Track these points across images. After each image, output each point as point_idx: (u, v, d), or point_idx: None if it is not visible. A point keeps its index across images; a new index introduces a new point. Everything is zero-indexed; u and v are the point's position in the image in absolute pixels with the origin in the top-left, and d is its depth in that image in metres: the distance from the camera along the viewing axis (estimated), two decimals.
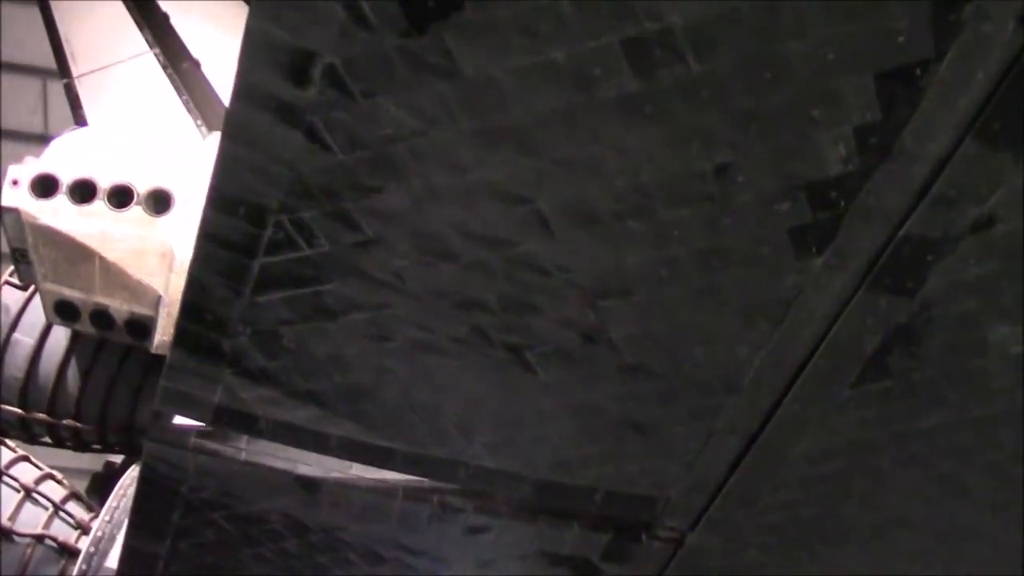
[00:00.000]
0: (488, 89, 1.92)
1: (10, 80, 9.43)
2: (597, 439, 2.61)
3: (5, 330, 5.71)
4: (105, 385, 5.79)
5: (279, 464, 2.82)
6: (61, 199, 5.17)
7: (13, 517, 4.98)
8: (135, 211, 5.23)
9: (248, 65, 1.95)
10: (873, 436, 2.50)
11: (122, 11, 6.86)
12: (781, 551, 2.91)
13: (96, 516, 5.08)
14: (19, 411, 5.75)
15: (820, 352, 2.32)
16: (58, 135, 6.61)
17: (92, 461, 6.82)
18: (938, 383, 2.37)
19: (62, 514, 5.09)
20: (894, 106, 1.88)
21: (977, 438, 2.48)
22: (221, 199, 2.19)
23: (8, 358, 5.73)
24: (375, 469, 2.79)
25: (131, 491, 4.99)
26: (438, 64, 1.88)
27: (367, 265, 2.25)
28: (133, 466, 5.22)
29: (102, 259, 5.19)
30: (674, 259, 2.16)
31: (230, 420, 2.67)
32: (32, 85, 9.34)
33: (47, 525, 5.02)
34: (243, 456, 2.82)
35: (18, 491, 5.06)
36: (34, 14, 6.98)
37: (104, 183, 5.21)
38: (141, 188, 5.25)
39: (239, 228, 2.22)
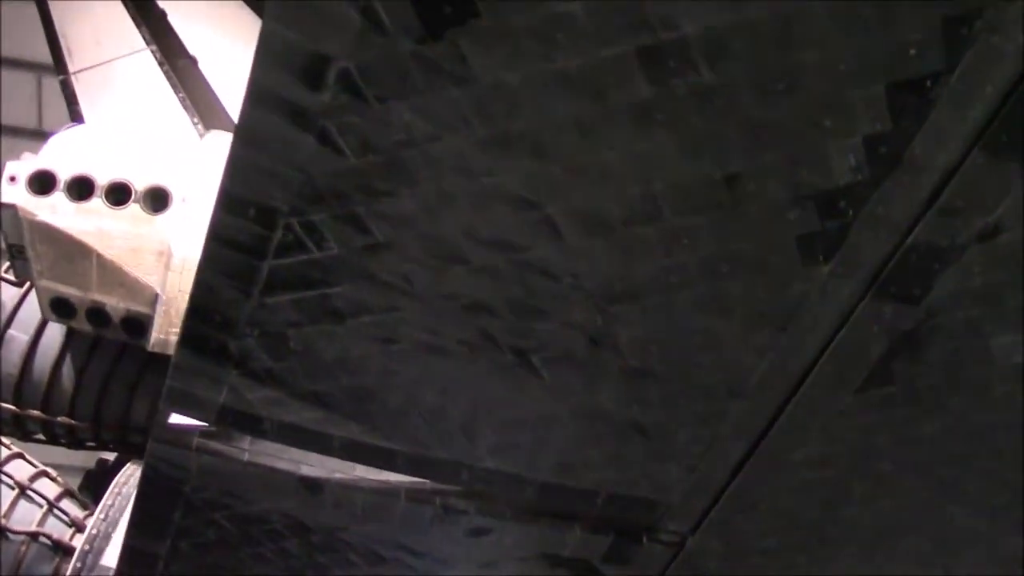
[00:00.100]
0: (502, 95, 1.93)
1: (5, 75, 9.41)
2: (600, 442, 2.63)
3: (0, 327, 5.70)
4: (100, 382, 5.78)
5: (282, 465, 2.83)
6: (59, 196, 5.16)
7: (7, 515, 4.97)
8: (133, 209, 5.23)
9: (262, 68, 1.96)
10: (875, 441, 2.52)
11: (119, 8, 6.86)
12: (781, 554, 2.93)
13: (91, 514, 5.08)
14: (13, 408, 5.74)
15: (825, 358, 2.34)
16: (53, 131, 6.60)
17: (85, 458, 6.82)
18: (941, 390, 2.39)
19: (56, 512, 5.08)
20: (904, 117, 1.90)
21: (978, 445, 2.51)
22: (231, 201, 2.20)
23: (2, 354, 5.72)
24: (378, 470, 2.80)
25: (126, 489, 5.00)
26: (453, 70, 1.89)
27: (376, 268, 2.26)
28: (128, 464, 5.22)
29: (99, 256, 5.19)
30: (682, 265, 2.18)
31: (235, 421, 2.68)
32: (27, 80, 9.32)
33: (41, 523, 5.01)
34: (246, 457, 2.82)
35: (12, 488, 5.05)
36: (30, 9, 6.96)
37: (102, 180, 5.21)
38: (139, 186, 5.25)
39: (248, 230, 2.22)
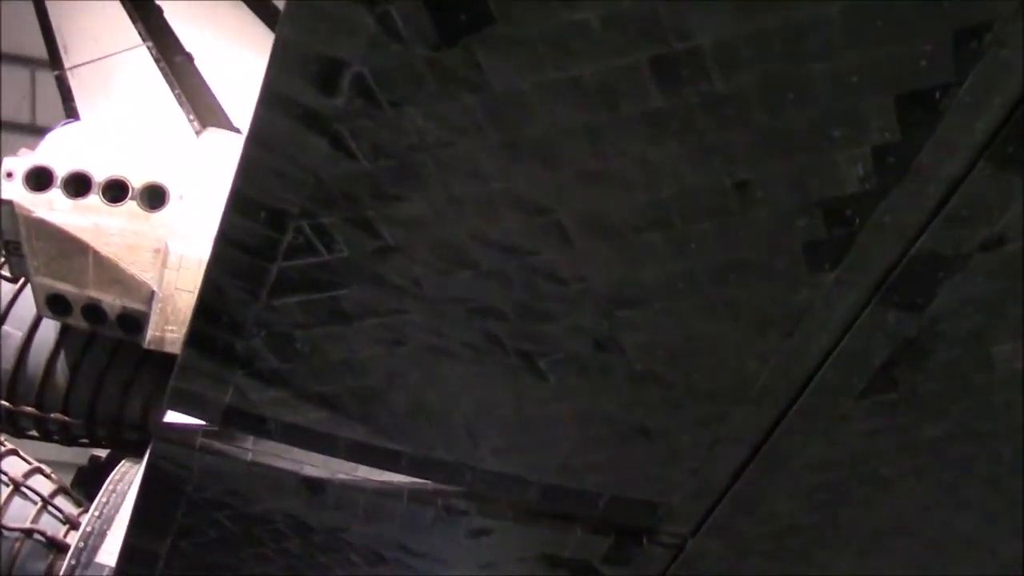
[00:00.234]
0: (515, 102, 1.94)
1: None
2: (604, 445, 2.65)
3: None
4: (94, 379, 5.77)
5: (285, 465, 2.84)
6: (56, 192, 5.16)
7: (1, 511, 4.96)
8: (130, 205, 5.23)
9: (277, 72, 1.97)
10: (876, 446, 2.55)
11: (115, 4, 6.84)
12: (780, 557, 2.96)
13: (85, 511, 5.07)
14: (7, 404, 5.73)
15: (828, 364, 2.36)
16: (46, 126, 6.57)
17: (75, 455, 6.80)
18: (942, 396, 2.42)
19: (51, 509, 5.07)
20: (913, 128, 1.92)
21: (978, 450, 2.54)
22: (242, 203, 2.21)
23: None
24: (380, 471, 2.82)
25: (121, 487, 5.00)
26: (467, 77, 1.91)
27: (385, 271, 2.27)
28: (123, 461, 5.22)
29: (95, 253, 5.18)
30: (690, 271, 2.20)
31: (239, 421, 2.69)
32: (21, 75, 9.29)
33: (36, 519, 5.00)
34: (249, 456, 2.83)
35: (6, 485, 5.04)
36: (24, 4, 6.95)
37: (99, 177, 5.20)
38: (136, 183, 5.24)
39: (259, 232, 2.24)
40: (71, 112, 6.70)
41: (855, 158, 1.97)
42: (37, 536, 4.96)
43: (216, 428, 2.77)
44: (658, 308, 2.28)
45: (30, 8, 7.00)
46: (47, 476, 5.21)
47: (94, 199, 5.18)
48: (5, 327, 5.71)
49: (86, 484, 5.86)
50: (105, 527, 4.78)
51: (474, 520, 2.89)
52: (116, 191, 5.20)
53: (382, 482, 2.84)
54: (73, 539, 4.87)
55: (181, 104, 6.52)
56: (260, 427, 2.69)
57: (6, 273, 5.81)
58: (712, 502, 2.75)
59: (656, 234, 2.14)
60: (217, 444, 2.83)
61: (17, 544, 4.94)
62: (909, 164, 1.98)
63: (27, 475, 5.10)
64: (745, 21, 1.82)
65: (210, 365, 2.54)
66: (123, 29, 6.77)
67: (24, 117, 9.41)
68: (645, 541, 2.88)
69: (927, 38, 1.81)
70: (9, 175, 5.10)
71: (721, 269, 2.19)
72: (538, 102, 1.94)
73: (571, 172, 2.06)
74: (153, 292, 5.15)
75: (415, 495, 2.84)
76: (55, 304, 5.30)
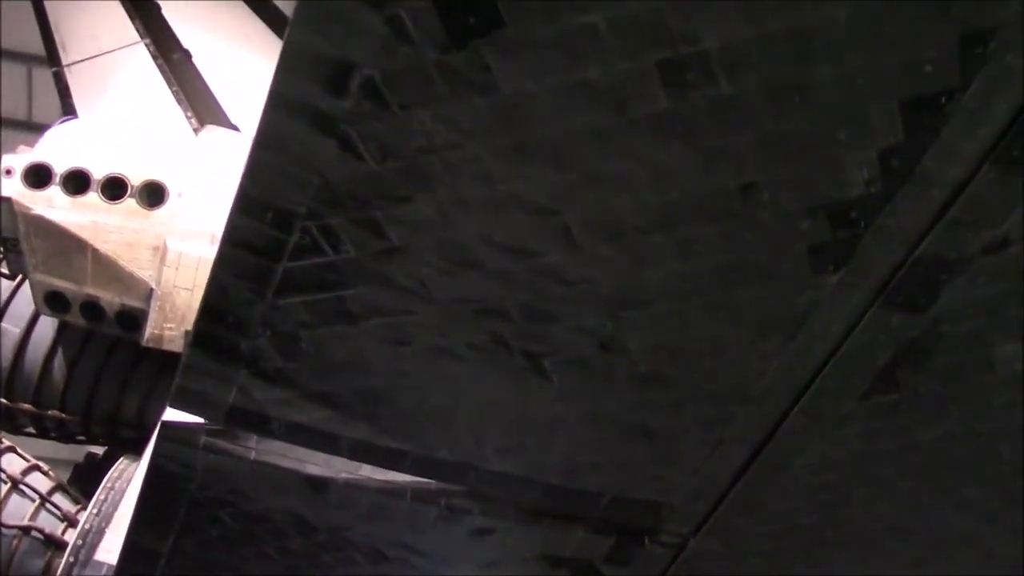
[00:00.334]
0: (523, 105, 1.96)
1: None
2: (607, 445, 2.66)
3: None
4: (91, 376, 5.78)
5: (288, 464, 2.85)
6: (54, 190, 5.16)
7: (0, 508, 4.96)
8: (128, 203, 5.24)
9: (286, 73, 1.98)
10: (877, 447, 2.57)
11: (114, 2, 6.83)
12: (781, 557, 2.98)
13: (83, 508, 5.08)
14: (4, 401, 5.74)
15: (831, 365, 2.38)
16: (43, 122, 6.56)
17: (70, 452, 6.80)
18: (943, 397, 2.44)
19: (49, 506, 5.08)
20: (918, 132, 1.94)
21: (978, 451, 2.56)
22: (249, 203, 2.22)
23: None
24: (384, 470, 2.83)
25: (119, 484, 5.00)
26: (476, 79, 1.92)
27: (391, 272, 2.28)
28: (121, 459, 5.22)
29: (94, 251, 5.19)
30: (694, 273, 2.21)
31: (243, 420, 2.70)
32: (18, 72, 9.28)
33: (34, 517, 5.01)
34: (253, 455, 2.84)
35: (5, 482, 5.04)
36: (22, 1, 6.94)
37: (98, 174, 5.21)
38: (135, 180, 5.25)
39: (265, 232, 2.25)
40: (69, 109, 6.71)
41: (860, 162, 1.99)
42: (35, 533, 4.97)
43: (219, 427, 2.78)
44: (662, 309, 2.29)
45: (27, 4, 7.00)
46: (45, 473, 5.21)
47: (93, 196, 5.19)
48: (3, 324, 5.72)
49: (83, 481, 5.86)
50: (104, 524, 4.78)
51: (477, 519, 2.90)
52: (115, 189, 5.21)
53: (385, 481, 2.85)
54: (71, 537, 4.88)
55: (179, 101, 6.52)
56: (264, 426, 2.70)
57: (4, 270, 5.81)
58: (713, 502, 2.76)
59: (661, 236, 2.15)
60: (220, 443, 2.83)
61: (15, 541, 4.95)
62: (914, 168, 1.99)
63: (25, 472, 5.11)
64: (752, 25, 1.83)
65: (214, 365, 2.55)
66: (121, 26, 6.77)
67: (21, 114, 9.41)
68: (646, 541, 2.90)
69: (933, 44, 1.82)
70: (8, 172, 5.10)
71: (725, 271, 2.21)
72: (546, 104, 1.95)
73: (578, 174, 2.07)
74: (152, 290, 5.16)
75: (418, 494, 2.85)
76: (53, 301, 5.30)
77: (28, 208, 5.11)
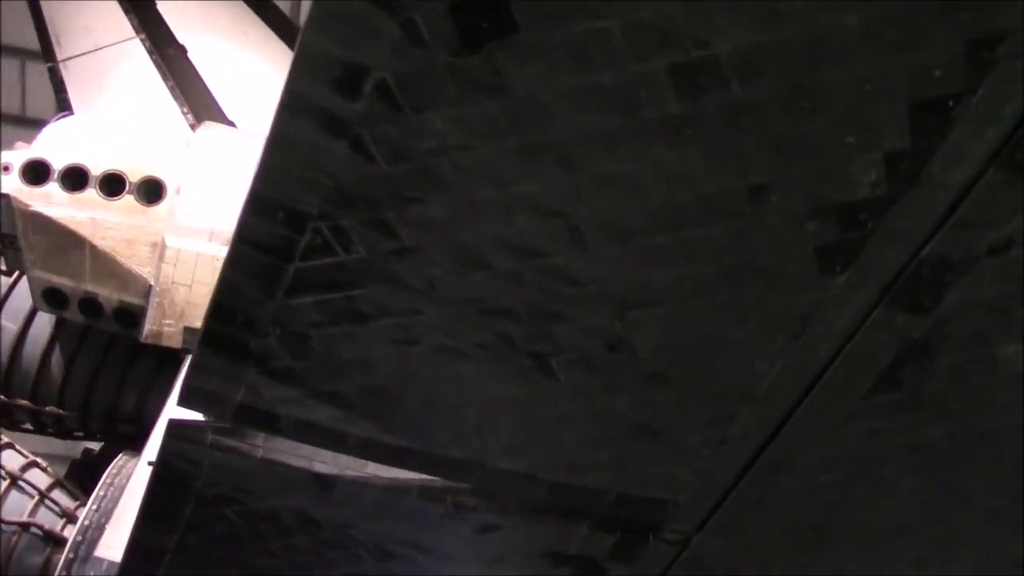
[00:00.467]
0: (535, 108, 1.97)
1: None
2: (612, 443, 2.68)
3: None
4: (89, 372, 5.80)
5: (295, 461, 2.86)
6: (52, 186, 5.17)
7: None
8: (127, 199, 5.25)
9: (299, 76, 1.99)
10: (880, 446, 2.60)
11: None
12: (783, 554, 3.00)
13: (82, 505, 5.09)
14: (1, 397, 5.74)
15: (835, 365, 2.40)
16: (36, 117, 6.53)
17: (65, 448, 6.81)
18: (946, 396, 2.46)
19: (48, 502, 5.09)
20: (926, 135, 1.96)
21: (980, 449, 2.59)
22: (260, 204, 2.23)
23: None
24: (390, 468, 2.84)
25: (118, 480, 5.00)
26: (488, 82, 1.94)
27: (401, 272, 2.30)
28: (120, 455, 5.23)
29: (92, 247, 5.20)
30: (702, 274, 2.24)
31: (251, 418, 2.71)
32: (11, 66, 9.25)
33: (33, 513, 5.02)
34: (260, 453, 2.85)
35: (3, 479, 5.05)
36: None
37: (96, 171, 5.22)
38: (133, 177, 5.26)
39: (277, 233, 2.26)
40: (64, 105, 6.70)
41: (868, 164, 2.01)
42: (34, 530, 4.98)
43: (227, 425, 2.79)
44: (670, 310, 2.31)
45: (21, 0, 6.98)
46: (43, 470, 5.22)
47: (91, 193, 5.20)
48: (0, 320, 5.72)
49: (80, 477, 5.87)
50: (103, 521, 4.79)
51: (482, 517, 2.92)
52: (113, 185, 5.22)
53: (391, 479, 2.86)
54: (71, 533, 4.89)
55: (175, 96, 6.52)
56: (272, 424, 2.71)
57: (1, 267, 5.81)
58: (717, 500, 2.79)
59: (669, 237, 2.17)
60: (227, 441, 2.85)
61: (14, 538, 4.96)
62: (921, 170, 2.02)
63: (24, 468, 5.12)
64: (762, 30, 1.85)
65: (224, 363, 2.56)
66: (116, 21, 6.77)
67: (14, 109, 9.38)
68: (650, 538, 2.92)
69: (942, 48, 1.85)
70: (6, 168, 5.11)
71: (733, 272, 2.23)
72: (557, 108, 1.97)
73: (588, 176, 2.09)
74: (150, 286, 5.18)
75: (424, 492, 2.87)
76: (52, 298, 5.32)
77: (26, 204, 5.12)
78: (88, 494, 5.11)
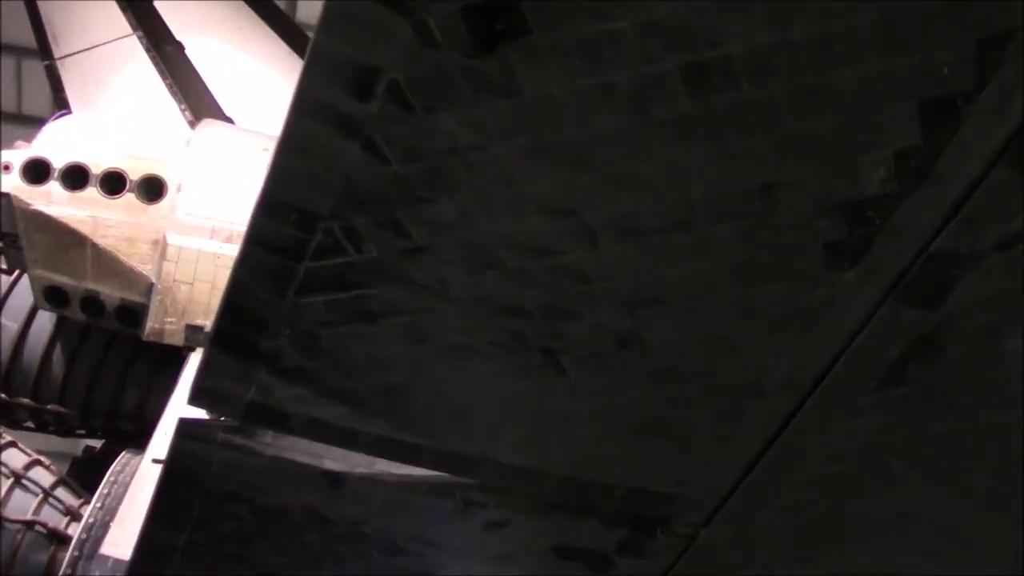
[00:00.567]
0: (546, 108, 1.99)
1: None
2: (622, 439, 2.70)
3: None
4: (90, 370, 5.79)
5: (305, 459, 2.88)
6: (53, 184, 5.16)
7: (3, 503, 4.96)
8: (127, 197, 5.24)
9: (311, 77, 2.01)
10: (888, 439, 2.62)
11: None
12: (791, 547, 3.03)
13: (86, 502, 5.09)
14: (3, 396, 5.74)
15: (843, 360, 2.42)
16: (33, 115, 6.52)
17: (66, 446, 6.81)
18: (953, 390, 2.48)
19: (51, 500, 5.08)
20: (934, 133, 1.98)
21: (987, 443, 2.61)
22: (272, 204, 2.25)
23: None
24: (400, 465, 2.86)
25: (122, 477, 5.01)
26: (500, 83, 1.95)
27: (413, 272, 2.31)
28: (123, 452, 5.23)
29: (94, 245, 5.20)
30: (712, 271, 2.25)
31: (261, 417, 2.72)
32: (7, 64, 9.24)
33: (37, 511, 5.01)
34: (269, 451, 2.87)
35: (7, 477, 5.04)
36: None
37: (96, 169, 5.21)
38: (134, 175, 5.26)
39: (288, 233, 2.27)
40: (60, 102, 6.69)
41: (877, 162, 2.03)
42: (38, 528, 4.98)
43: (237, 424, 2.80)
44: (680, 307, 2.33)
45: None
46: (47, 468, 5.22)
47: (92, 191, 5.19)
48: (1, 319, 5.71)
49: (82, 475, 5.87)
50: (108, 518, 4.79)
51: (492, 513, 2.94)
52: (114, 183, 5.21)
53: (401, 475, 2.88)
54: (75, 531, 4.88)
55: (173, 94, 6.52)
56: (282, 422, 2.73)
57: (1, 265, 5.80)
58: (725, 494, 2.81)
59: (680, 235, 2.19)
60: (237, 439, 2.86)
61: (18, 536, 4.95)
62: (929, 168, 2.04)
63: (27, 467, 5.11)
64: (774, 30, 1.87)
65: (234, 363, 2.58)
66: (113, 19, 6.76)
67: (11, 107, 9.37)
68: (659, 532, 2.94)
69: (951, 47, 1.87)
70: (6, 168, 5.10)
71: (743, 269, 2.25)
72: (569, 108, 1.99)
73: (599, 175, 2.11)
74: (152, 284, 5.17)
75: (434, 488, 2.89)
76: (53, 296, 5.31)
77: (27, 203, 5.11)
78: (91, 492, 5.11)
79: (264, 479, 2.94)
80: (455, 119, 2.02)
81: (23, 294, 5.63)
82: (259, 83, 6.41)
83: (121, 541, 4.49)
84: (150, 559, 3.31)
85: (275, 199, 2.23)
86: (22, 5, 6.93)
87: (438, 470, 2.85)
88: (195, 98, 6.65)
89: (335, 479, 2.90)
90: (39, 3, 6.88)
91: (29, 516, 5.00)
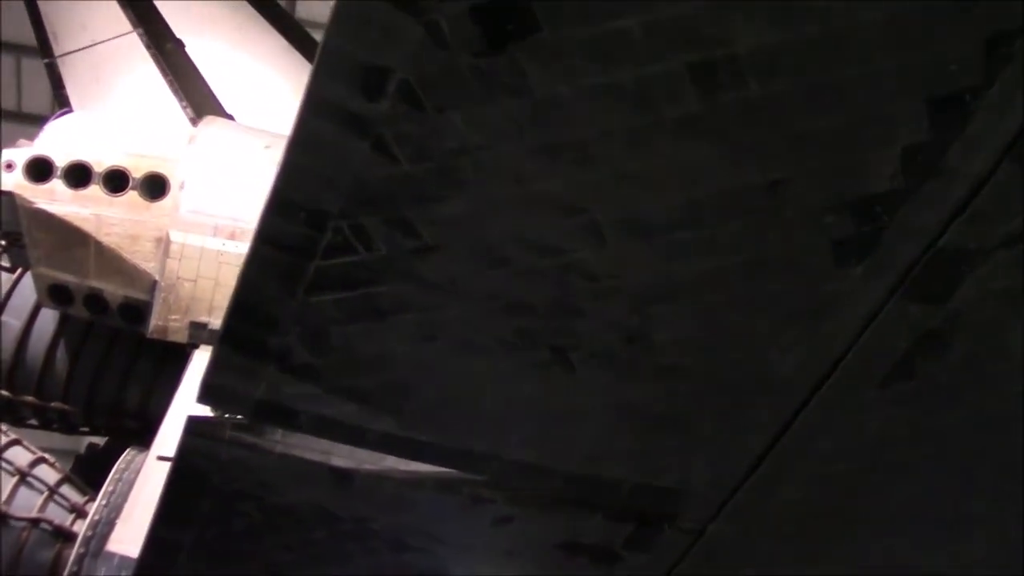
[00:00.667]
0: (555, 107, 2.00)
1: None
2: (629, 434, 2.71)
3: None
4: (93, 368, 5.80)
5: (313, 456, 2.89)
6: (56, 183, 5.16)
7: (8, 501, 4.97)
8: (130, 195, 5.24)
9: (322, 77, 2.01)
10: (894, 433, 2.63)
11: None
12: (794, 541, 3.04)
13: (91, 500, 5.10)
14: (6, 393, 5.74)
15: (851, 355, 2.43)
16: (33, 112, 6.51)
17: (67, 443, 6.82)
18: (959, 385, 2.50)
19: (57, 498, 5.09)
20: (942, 129, 1.99)
21: (991, 437, 2.62)
22: (282, 203, 2.25)
23: None
24: (408, 461, 2.87)
25: (127, 475, 5.01)
26: (510, 82, 1.96)
27: (422, 270, 2.32)
28: (128, 449, 5.24)
29: (97, 243, 5.20)
30: (720, 268, 2.26)
31: (270, 414, 2.73)
32: (6, 62, 9.23)
33: (42, 509, 5.02)
34: (278, 448, 2.88)
35: (12, 475, 5.05)
36: None
37: (99, 167, 5.21)
38: (136, 172, 5.26)
39: (298, 232, 2.28)
40: (61, 100, 6.69)
41: (886, 158, 2.04)
42: (44, 525, 4.98)
43: (246, 421, 2.81)
44: (688, 303, 2.34)
45: None
46: (52, 465, 5.22)
47: (95, 189, 5.19)
48: (3, 317, 5.72)
49: (85, 472, 5.88)
50: (113, 515, 4.79)
51: (499, 508, 2.95)
52: (117, 181, 5.22)
53: (409, 472, 2.89)
54: (80, 528, 4.89)
55: (174, 91, 6.52)
56: (290, 420, 2.74)
57: (4, 263, 5.81)
58: (732, 489, 2.82)
59: (688, 232, 2.20)
60: (246, 437, 2.87)
61: (24, 533, 4.96)
62: (937, 163, 2.05)
63: (32, 464, 5.12)
64: (782, 28, 1.88)
65: (243, 361, 2.59)
66: (113, 16, 6.76)
67: (11, 104, 9.36)
68: (666, 527, 2.95)
69: (959, 44, 1.87)
70: (9, 166, 5.11)
71: (751, 265, 2.26)
72: (578, 106, 2.00)
73: (607, 173, 2.11)
74: (155, 281, 5.18)
75: (441, 484, 2.90)
76: (57, 294, 5.32)
77: (30, 202, 5.11)
78: (96, 489, 5.12)
79: (272, 476, 2.95)
80: (465, 118, 2.03)
81: (26, 292, 5.64)
82: (259, 80, 6.40)
83: (127, 538, 4.49)
84: (158, 557, 3.31)
85: (285, 198, 2.24)
86: (22, 3, 6.93)
87: (446, 467, 2.86)
88: (196, 95, 6.65)
89: (343, 476, 2.91)
90: (39, 1, 6.87)
91: (34, 513, 5.00)
